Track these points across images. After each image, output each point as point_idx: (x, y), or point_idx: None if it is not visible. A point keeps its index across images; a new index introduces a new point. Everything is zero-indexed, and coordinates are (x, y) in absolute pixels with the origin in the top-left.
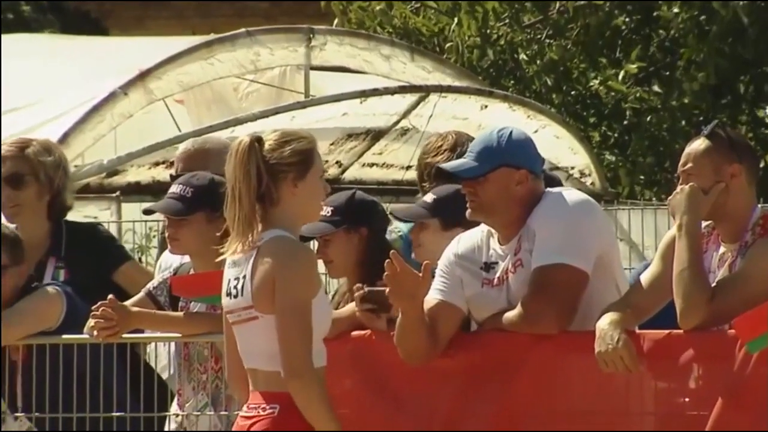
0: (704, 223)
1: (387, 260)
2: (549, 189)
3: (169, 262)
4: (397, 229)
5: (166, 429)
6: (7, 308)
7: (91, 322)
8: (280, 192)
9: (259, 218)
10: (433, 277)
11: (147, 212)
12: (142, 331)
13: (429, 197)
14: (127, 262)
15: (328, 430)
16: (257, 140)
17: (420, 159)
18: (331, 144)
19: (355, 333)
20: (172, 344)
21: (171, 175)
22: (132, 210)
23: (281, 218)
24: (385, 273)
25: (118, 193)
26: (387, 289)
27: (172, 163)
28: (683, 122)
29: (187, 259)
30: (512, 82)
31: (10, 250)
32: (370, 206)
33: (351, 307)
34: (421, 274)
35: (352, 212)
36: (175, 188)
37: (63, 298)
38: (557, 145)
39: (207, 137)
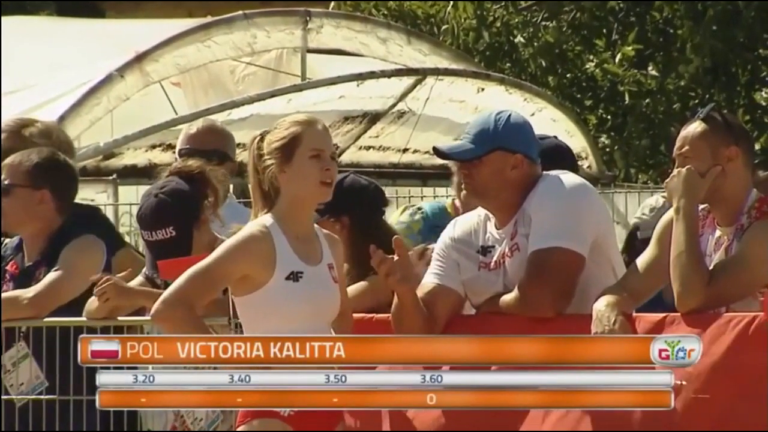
0: (699, 207)
1: (373, 246)
2: (545, 172)
3: None
4: (420, 210)
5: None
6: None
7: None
8: (278, 181)
9: (265, 209)
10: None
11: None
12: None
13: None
14: (122, 249)
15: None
16: (259, 136)
17: None
18: (328, 127)
19: (355, 316)
20: None
21: (179, 152)
22: (128, 192)
23: (282, 206)
24: (376, 260)
25: (114, 175)
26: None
27: (168, 146)
28: (679, 105)
29: None
30: (508, 64)
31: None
32: (355, 192)
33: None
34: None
35: (335, 201)
36: None
37: (102, 246)
38: (554, 128)
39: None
